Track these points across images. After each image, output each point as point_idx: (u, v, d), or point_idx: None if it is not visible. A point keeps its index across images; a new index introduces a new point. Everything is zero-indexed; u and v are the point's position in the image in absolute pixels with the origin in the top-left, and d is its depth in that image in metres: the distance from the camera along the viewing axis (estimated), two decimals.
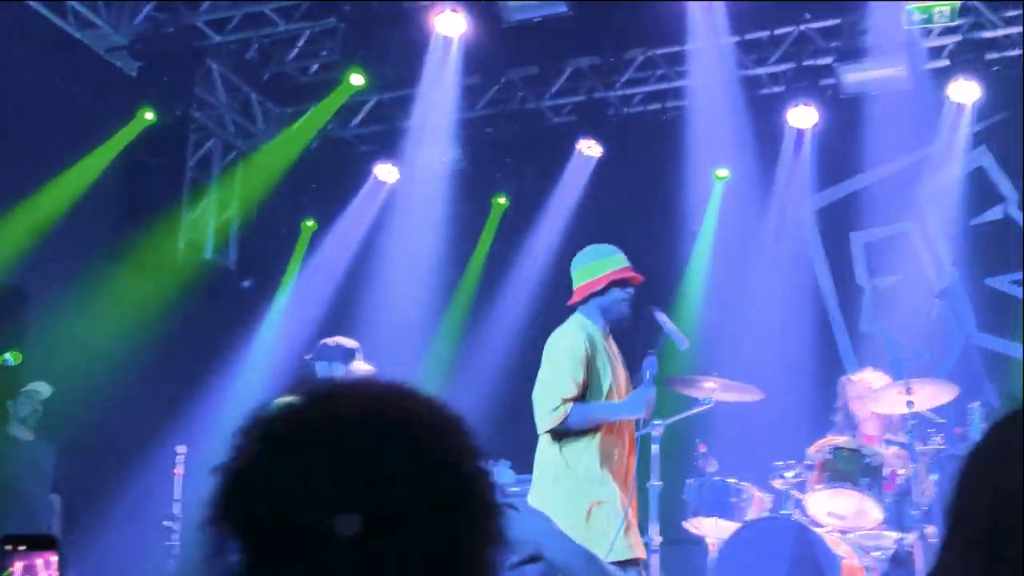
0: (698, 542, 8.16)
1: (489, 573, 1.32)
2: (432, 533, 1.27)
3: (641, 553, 5.57)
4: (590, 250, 5.95)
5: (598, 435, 5.57)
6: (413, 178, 12.01)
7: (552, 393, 5.54)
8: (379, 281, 12.01)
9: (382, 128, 12.31)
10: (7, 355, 7.46)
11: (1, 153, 9.99)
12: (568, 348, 5.62)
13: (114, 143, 10.73)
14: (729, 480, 8.09)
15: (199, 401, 10.51)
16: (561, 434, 5.55)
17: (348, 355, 7.60)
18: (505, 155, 11.79)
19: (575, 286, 5.83)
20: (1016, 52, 10.25)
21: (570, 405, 5.48)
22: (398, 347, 11.02)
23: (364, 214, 12.16)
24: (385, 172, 12.18)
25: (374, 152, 12.30)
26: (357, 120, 12.45)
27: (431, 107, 11.67)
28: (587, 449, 5.55)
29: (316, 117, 11.70)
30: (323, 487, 1.25)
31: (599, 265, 5.75)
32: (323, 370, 7.61)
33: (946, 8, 10.03)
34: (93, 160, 10.65)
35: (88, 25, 10.63)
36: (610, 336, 5.82)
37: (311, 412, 1.33)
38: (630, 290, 5.65)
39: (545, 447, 5.69)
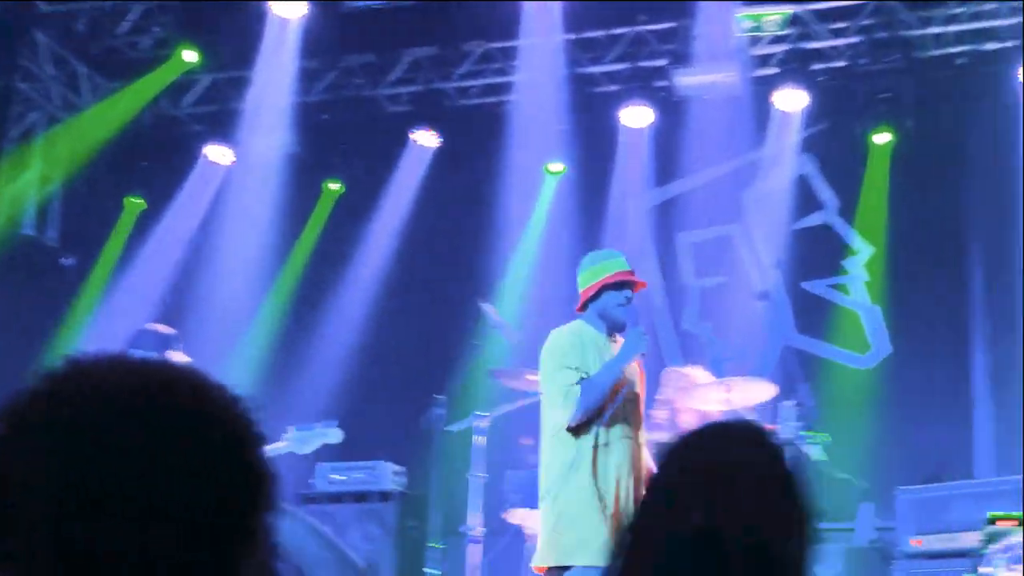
0: (518, 533, 8.23)
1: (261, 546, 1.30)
2: (186, 514, 1.24)
3: None
4: (589, 256, 5.89)
5: (598, 430, 5.44)
6: (247, 161, 11.82)
7: (556, 391, 5.43)
8: (209, 266, 11.80)
9: (216, 109, 12.07)
10: None
11: None
12: (550, 349, 5.58)
13: None
14: None
15: (11, 382, 10.17)
16: (577, 430, 5.42)
17: (163, 343, 7.34)
18: (340, 142, 11.69)
19: (579, 292, 5.80)
20: (841, 63, 10.57)
21: (578, 387, 5.35)
22: (224, 335, 10.87)
23: (195, 195, 11.92)
24: (218, 154, 11.97)
25: (206, 133, 12.05)
26: (190, 99, 12.18)
27: (266, 90, 11.52)
28: (587, 445, 5.41)
29: (143, 89, 11.41)
30: (64, 471, 1.21)
31: (595, 271, 5.69)
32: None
33: (776, 17, 10.31)
34: None
35: None
36: (617, 339, 5.71)
37: (56, 391, 1.29)
38: (627, 292, 5.58)
39: (547, 449, 5.61)
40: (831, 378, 10.16)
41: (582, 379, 5.34)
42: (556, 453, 5.49)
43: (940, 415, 9.72)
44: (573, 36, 10.96)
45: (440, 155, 11.53)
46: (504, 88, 11.46)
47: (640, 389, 5.67)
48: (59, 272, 11.73)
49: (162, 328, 7.35)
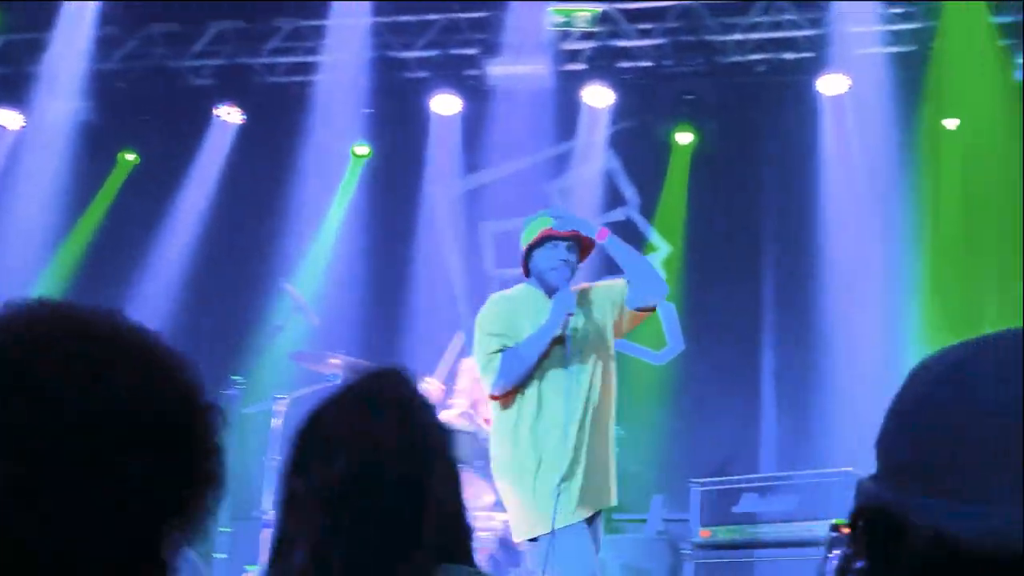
0: None
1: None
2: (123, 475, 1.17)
3: (594, 508, 5.16)
4: (525, 220, 5.72)
5: (528, 392, 5.17)
6: (39, 127, 11.35)
7: (479, 360, 5.21)
8: None
9: (8, 71, 11.53)
10: None
11: None
12: (478, 316, 5.35)
13: None
14: None
15: None
16: (504, 400, 5.19)
17: None
18: (138, 112, 11.33)
19: None
20: (647, 63, 10.77)
21: (498, 355, 5.12)
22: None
23: None
24: (7, 118, 11.46)
25: None
26: None
27: (62, 54, 11.08)
28: (522, 409, 5.18)
29: None
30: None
31: (524, 235, 5.52)
32: None
33: (586, 14, 10.44)
34: None
35: None
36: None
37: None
38: (559, 251, 5.39)
39: (492, 421, 5.43)
40: (626, 373, 10.32)
41: (504, 348, 5.16)
42: (495, 425, 5.37)
43: (729, 411, 10.01)
44: (385, 19, 10.88)
45: (244, 132, 11.28)
46: (313, 67, 11.28)
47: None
48: None
49: None
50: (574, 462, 5.11)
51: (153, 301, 10.54)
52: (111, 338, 1.24)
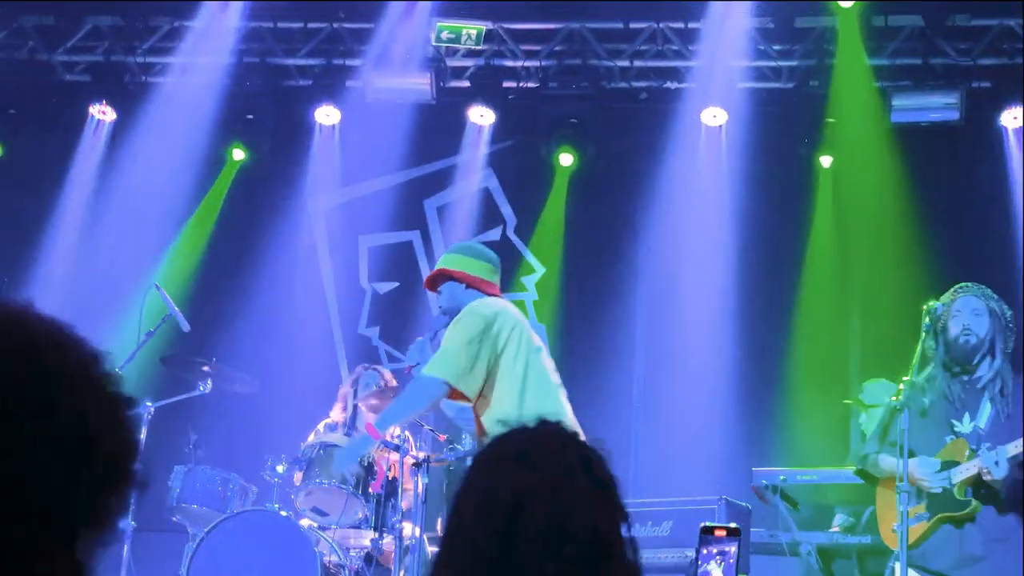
0: (181, 531, 7.95)
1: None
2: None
3: None
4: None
5: None
6: None
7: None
8: None
9: None
10: None
11: None
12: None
13: None
14: (217, 470, 7.97)
15: None
16: None
17: None
18: (7, 105, 10.96)
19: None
20: (532, 84, 10.81)
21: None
22: None
23: None
24: None
25: None
26: None
27: None
28: None
29: None
30: None
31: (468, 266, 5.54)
32: None
33: (473, 31, 10.44)
34: None
35: None
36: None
37: None
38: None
39: None
40: None
41: None
42: None
43: (601, 435, 10.02)
44: (267, 25, 10.74)
45: (116, 130, 10.98)
46: (192, 68, 11.04)
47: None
48: None
49: None
50: None
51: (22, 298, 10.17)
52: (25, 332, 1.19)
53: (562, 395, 5.53)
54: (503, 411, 5.30)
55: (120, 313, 9.33)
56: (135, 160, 10.66)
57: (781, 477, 7.64)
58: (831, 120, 10.13)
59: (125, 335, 8.34)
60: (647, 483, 9.76)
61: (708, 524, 3.04)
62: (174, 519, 7.94)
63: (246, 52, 10.79)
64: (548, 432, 2.03)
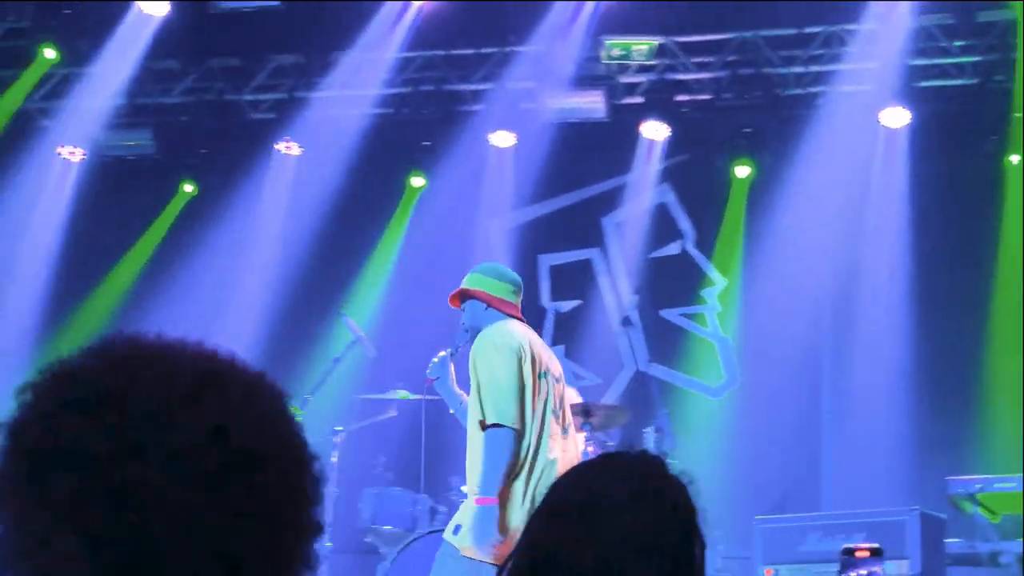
0: (373, 552, 8.13)
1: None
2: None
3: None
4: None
5: None
6: (99, 160, 11.50)
7: None
8: (49, 262, 11.47)
9: (67, 104, 11.65)
10: None
11: None
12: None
13: None
14: (407, 492, 8.12)
15: None
16: None
17: None
18: (198, 145, 11.42)
19: None
20: (705, 96, 10.75)
21: None
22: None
23: (43, 193, 11.54)
24: (68, 151, 11.60)
25: (54, 128, 11.62)
26: (41, 92, 11.72)
27: (123, 87, 11.23)
28: None
29: (14, 95, 10.94)
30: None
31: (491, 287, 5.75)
32: None
33: (643, 47, 10.44)
34: None
35: None
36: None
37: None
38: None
39: None
40: (682, 407, 10.28)
41: None
42: None
43: (788, 446, 9.90)
44: (443, 52, 10.93)
45: (302, 164, 11.34)
46: (372, 100, 11.33)
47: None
48: None
49: None
50: None
51: (212, 330, 10.59)
52: (211, 371, 1.25)
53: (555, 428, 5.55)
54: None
55: (311, 342, 9.62)
56: (319, 193, 10.97)
57: (977, 485, 7.40)
58: (1018, 115, 9.78)
59: (315, 363, 8.61)
60: (839, 495, 9.57)
61: (849, 546, 2.97)
62: (366, 540, 8.11)
63: (421, 81, 11.00)
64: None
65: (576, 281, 11.14)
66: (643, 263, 10.96)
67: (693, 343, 10.80)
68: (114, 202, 11.34)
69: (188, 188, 11.70)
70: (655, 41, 10.46)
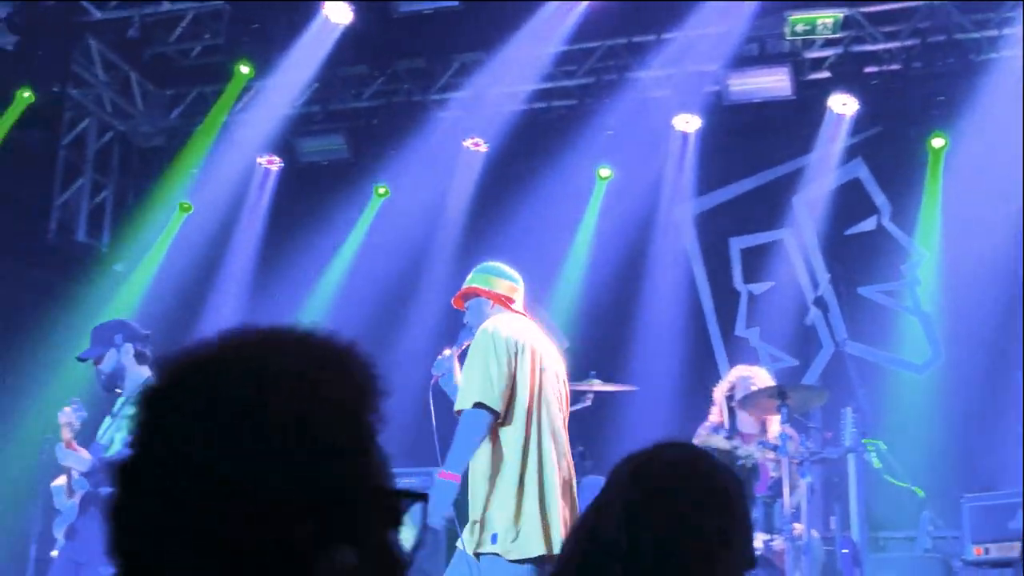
0: None
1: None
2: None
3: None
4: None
5: None
6: (295, 166, 11.89)
7: None
8: (251, 270, 11.89)
9: (262, 114, 12.07)
10: None
11: None
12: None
13: None
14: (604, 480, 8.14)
15: (68, 386, 10.21)
16: None
17: (107, 340, 6.92)
18: (389, 147, 11.68)
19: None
20: (895, 67, 10.48)
21: None
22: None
23: (246, 201, 12.00)
24: (266, 160, 12.04)
25: (253, 138, 12.04)
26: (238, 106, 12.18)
27: (314, 95, 11.59)
28: None
29: (217, 111, 11.40)
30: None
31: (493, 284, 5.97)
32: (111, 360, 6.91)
33: (828, 20, 10.23)
34: None
35: None
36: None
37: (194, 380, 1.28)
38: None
39: None
40: (886, 384, 10.06)
41: None
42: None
43: (994, 422, 9.57)
44: (623, 40, 10.93)
45: (490, 160, 11.50)
46: (554, 93, 11.42)
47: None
48: (112, 277, 11.79)
49: (131, 324, 7.11)
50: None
51: (415, 326, 10.84)
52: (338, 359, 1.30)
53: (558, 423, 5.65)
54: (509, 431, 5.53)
55: None
56: (508, 188, 11.11)
57: None
58: None
59: None
60: None
61: None
62: None
63: (604, 71, 11.03)
64: None
65: (768, 263, 11.00)
66: (837, 241, 10.75)
67: (894, 320, 10.54)
68: (313, 206, 11.67)
69: (381, 190, 11.96)
70: (840, 13, 10.24)
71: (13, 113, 10.41)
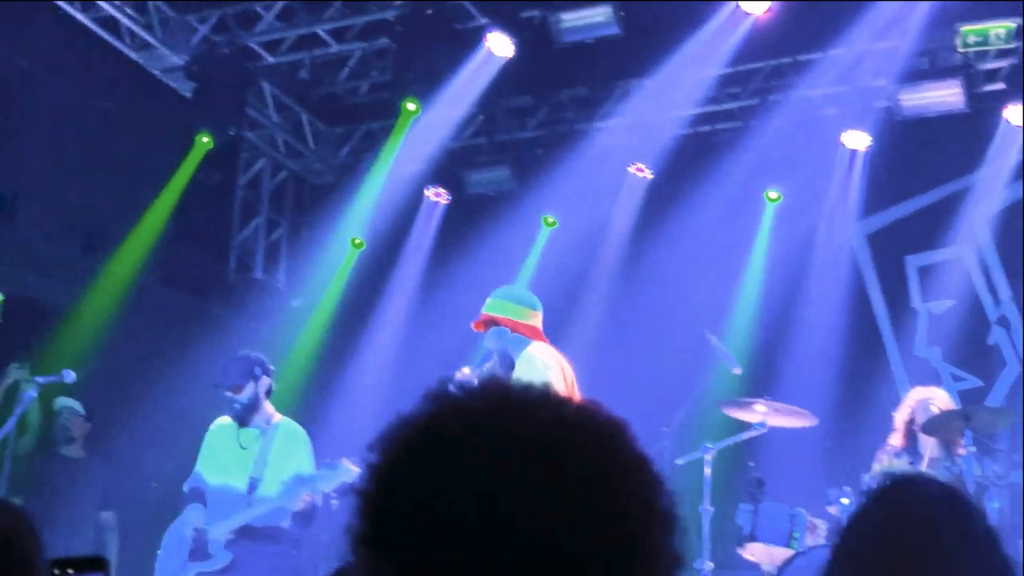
0: (752, 569, 8.07)
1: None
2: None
3: None
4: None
5: None
6: (462, 199, 12.05)
7: None
8: (428, 302, 12.04)
9: (428, 148, 12.24)
10: (68, 371, 7.41)
11: (59, 175, 10.12)
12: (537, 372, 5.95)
13: (180, 173, 10.82)
14: (783, 506, 8.01)
15: None
16: None
17: (246, 372, 7.05)
18: (555, 176, 11.73)
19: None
20: None
21: None
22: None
23: (416, 236, 12.21)
24: (433, 193, 12.24)
25: (421, 173, 12.23)
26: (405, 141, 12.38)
27: (479, 127, 11.73)
28: None
29: (385, 152, 11.63)
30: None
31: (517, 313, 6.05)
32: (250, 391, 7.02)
33: (1001, 30, 9.94)
34: (167, 194, 10.79)
35: (144, 46, 10.71)
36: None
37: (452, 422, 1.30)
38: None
39: None
40: None
41: None
42: None
43: None
44: (788, 59, 10.80)
45: (655, 186, 11.47)
46: (718, 116, 11.34)
47: None
48: (289, 313, 12.10)
49: (254, 356, 7.20)
50: None
51: (581, 354, 10.84)
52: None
53: None
54: None
55: (677, 360, 9.69)
56: (677, 213, 11.05)
57: None
58: None
59: (681, 381, 8.68)
60: None
61: None
62: (749, 557, 8.06)
63: (768, 91, 10.92)
64: None
65: (946, 280, 10.69)
66: (1018, 256, 10.39)
67: None
68: (484, 237, 11.79)
69: (549, 220, 12.00)
70: (1013, 23, 9.93)
71: (195, 157, 10.80)
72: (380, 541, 1.25)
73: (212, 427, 7.37)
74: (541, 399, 1.33)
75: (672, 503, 1.32)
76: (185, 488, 7.24)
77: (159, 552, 7.12)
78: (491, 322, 6.14)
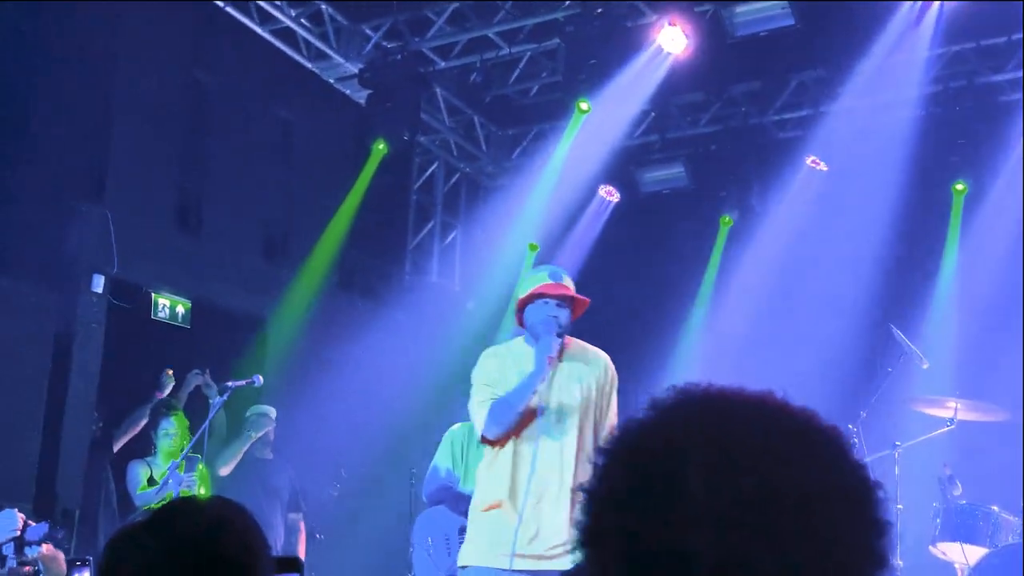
0: (944, 568, 7.85)
1: None
2: None
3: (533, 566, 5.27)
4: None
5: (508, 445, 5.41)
6: (636, 198, 11.99)
7: (472, 409, 5.52)
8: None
9: (600, 147, 12.22)
10: (257, 376, 7.61)
11: (241, 184, 10.41)
12: (473, 373, 5.61)
13: (360, 180, 11.05)
14: (976, 504, 7.78)
15: (435, 423, 10.60)
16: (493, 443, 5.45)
17: None
18: (730, 172, 11.59)
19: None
20: None
21: (488, 403, 5.39)
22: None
23: (588, 235, 12.21)
24: (605, 191, 12.23)
25: (594, 172, 12.20)
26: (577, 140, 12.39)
27: (651, 124, 11.66)
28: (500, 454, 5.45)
29: (558, 153, 11.67)
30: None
31: (522, 290, 5.74)
32: None
33: None
34: (349, 201, 11.04)
35: (320, 56, 10.94)
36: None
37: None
38: (549, 307, 5.48)
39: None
40: None
41: (495, 397, 5.38)
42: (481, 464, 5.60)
43: None
44: (972, 45, 10.47)
45: (830, 178, 11.23)
46: (895, 105, 11.04)
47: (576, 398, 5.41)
48: (465, 316, 12.20)
49: None
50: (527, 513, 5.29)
51: (766, 349, 10.70)
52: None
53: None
54: None
55: (863, 355, 9.50)
56: (853, 205, 10.81)
57: None
58: None
59: (867, 377, 8.49)
60: None
61: None
62: (940, 556, 7.84)
63: (951, 77, 10.60)
64: None
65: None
66: None
67: None
68: (662, 236, 11.73)
69: (727, 219, 11.89)
70: None
71: (372, 164, 11.00)
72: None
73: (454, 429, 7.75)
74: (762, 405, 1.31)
75: (885, 509, 1.29)
76: (432, 488, 7.53)
77: (420, 548, 7.41)
78: (575, 302, 5.96)
